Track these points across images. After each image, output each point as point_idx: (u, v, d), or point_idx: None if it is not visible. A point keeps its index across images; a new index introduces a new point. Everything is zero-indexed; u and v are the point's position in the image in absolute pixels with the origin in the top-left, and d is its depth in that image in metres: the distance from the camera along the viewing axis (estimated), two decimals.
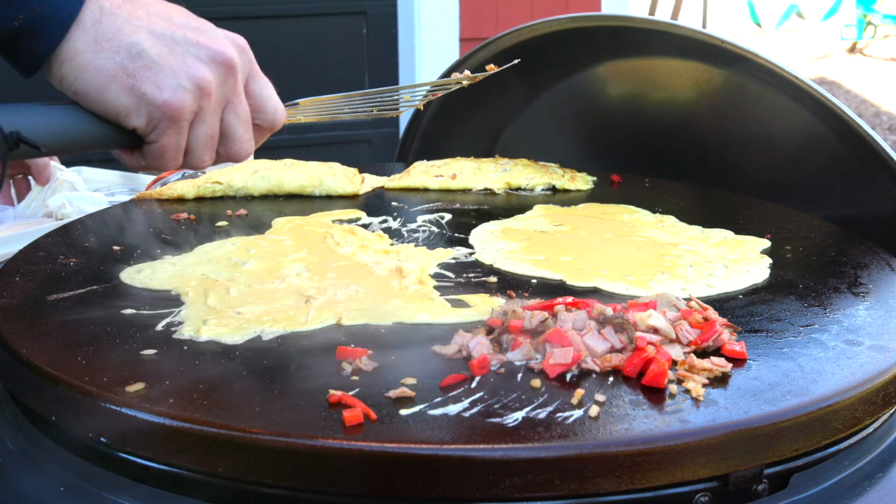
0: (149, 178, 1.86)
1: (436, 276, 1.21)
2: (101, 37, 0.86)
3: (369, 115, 1.17)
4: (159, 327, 1.04)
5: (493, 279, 1.20)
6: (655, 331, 0.96)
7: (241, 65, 0.94)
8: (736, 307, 1.10)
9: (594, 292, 1.15)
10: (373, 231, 1.41)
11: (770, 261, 1.26)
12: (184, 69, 0.88)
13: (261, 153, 2.00)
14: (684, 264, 1.24)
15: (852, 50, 10.34)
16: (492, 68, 1.29)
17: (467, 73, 1.28)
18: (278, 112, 0.99)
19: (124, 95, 0.87)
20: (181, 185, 1.63)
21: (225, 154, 0.98)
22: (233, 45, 0.93)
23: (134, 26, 0.87)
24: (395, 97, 1.21)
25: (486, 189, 1.66)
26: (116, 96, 0.87)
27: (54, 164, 1.72)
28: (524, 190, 1.66)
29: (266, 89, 0.98)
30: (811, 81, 1.41)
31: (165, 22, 0.90)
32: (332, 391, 0.86)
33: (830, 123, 1.46)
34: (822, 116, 1.46)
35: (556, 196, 1.63)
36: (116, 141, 0.92)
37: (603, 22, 1.71)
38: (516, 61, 1.35)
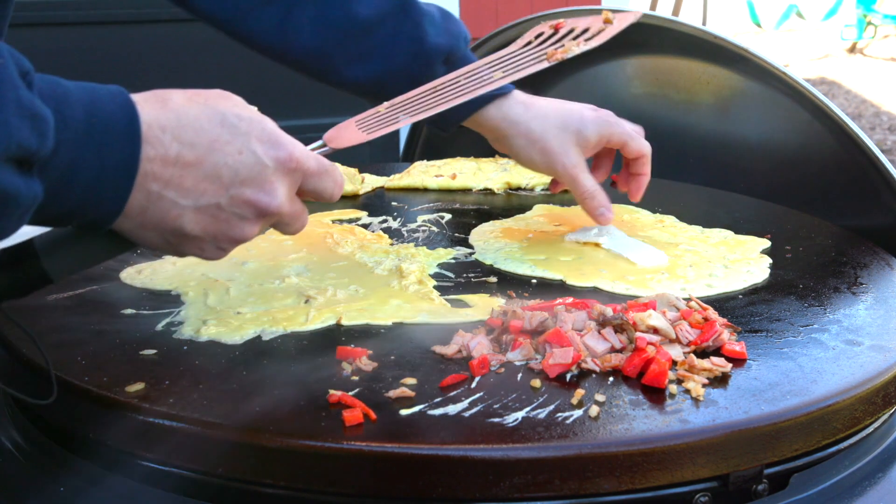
0: None
1: (436, 276, 1.21)
2: (147, 222, 0.83)
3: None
4: (159, 327, 1.04)
5: (493, 279, 1.20)
6: (655, 331, 0.96)
7: (290, 199, 0.89)
8: (736, 307, 1.10)
9: (594, 292, 1.15)
10: (373, 231, 1.41)
11: (770, 261, 1.26)
12: (227, 234, 0.86)
13: None
14: (684, 264, 1.24)
15: (852, 50, 10.34)
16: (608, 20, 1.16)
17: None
18: (334, 193, 0.93)
19: (169, 252, 0.88)
20: None
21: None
22: (286, 184, 0.87)
23: (179, 209, 0.83)
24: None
25: (486, 189, 1.66)
26: (161, 251, 0.88)
27: None
28: (524, 190, 1.66)
29: (323, 183, 0.91)
30: (811, 86, 1.41)
31: (214, 185, 0.83)
32: (332, 391, 0.86)
33: (828, 126, 1.46)
34: (822, 119, 1.46)
35: (557, 196, 1.63)
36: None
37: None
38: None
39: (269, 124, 0.86)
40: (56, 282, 0.86)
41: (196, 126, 0.82)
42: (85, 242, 0.86)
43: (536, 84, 1.95)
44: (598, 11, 1.20)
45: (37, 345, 0.88)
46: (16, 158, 0.71)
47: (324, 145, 1.00)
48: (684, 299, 1.05)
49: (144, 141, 0.78)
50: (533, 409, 0.84)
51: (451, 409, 0.85)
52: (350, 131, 1.02)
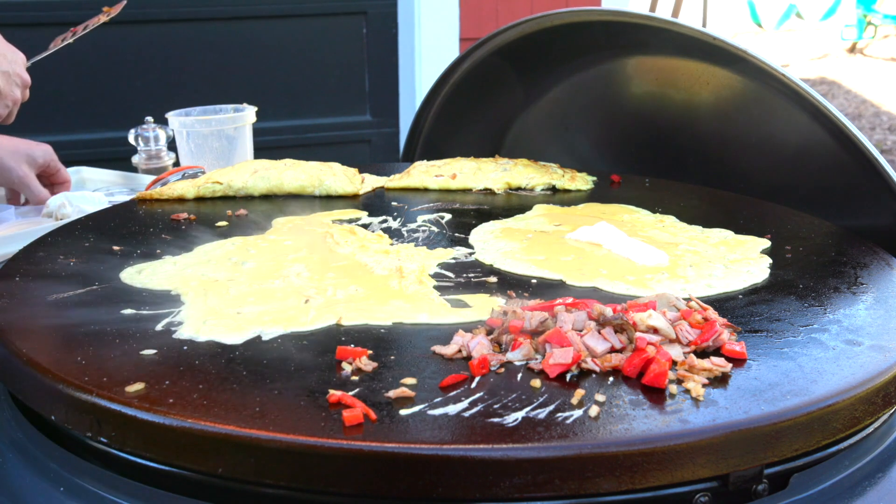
0: (149, 178, 1.86)
1: (436, 276, 1.21)
2: None
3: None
4: (159, 327, 1.04)
5: (493, 279, 1.20)
6: (655, 331, 0.96)
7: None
8: (736, 307, 1.10)
9: (594, 292, 1.15)
10: (373, 231, 1.41)
11: (770, 261, 1.26)
12: (10, 95, 1.59)
13: (261, 153, 2.00)
14: (684, 264, 1.24)
15: (852, 50, 10.34)
16: (108, 10, 1.80)
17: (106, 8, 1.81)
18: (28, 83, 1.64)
19: None
20: (181, 185, 1.63)
21: None
22: (24, 69, 1.63)
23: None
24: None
25: (486, 189, 1.66)
26: None
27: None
28: (524, 190, 1.66)
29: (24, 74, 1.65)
30: (809, 87, 1.41)
31: (6, 61, 1.57)
32: (332, 391, 0.86)
33: (828, 126, 1.46)
34: (822, 120, 1.46)
35: (556, 196, 1.63)
36: None
37: (602, 17, 1.71)
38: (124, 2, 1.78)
39: None
40: None
41: None
42: None
43: (538, 85, 1.96)
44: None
45: None
46: None
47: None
48: (684, 299, 1.05)
49: None
50: (533, 409, 0.84)
51: (451, 409, 0.85)
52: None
